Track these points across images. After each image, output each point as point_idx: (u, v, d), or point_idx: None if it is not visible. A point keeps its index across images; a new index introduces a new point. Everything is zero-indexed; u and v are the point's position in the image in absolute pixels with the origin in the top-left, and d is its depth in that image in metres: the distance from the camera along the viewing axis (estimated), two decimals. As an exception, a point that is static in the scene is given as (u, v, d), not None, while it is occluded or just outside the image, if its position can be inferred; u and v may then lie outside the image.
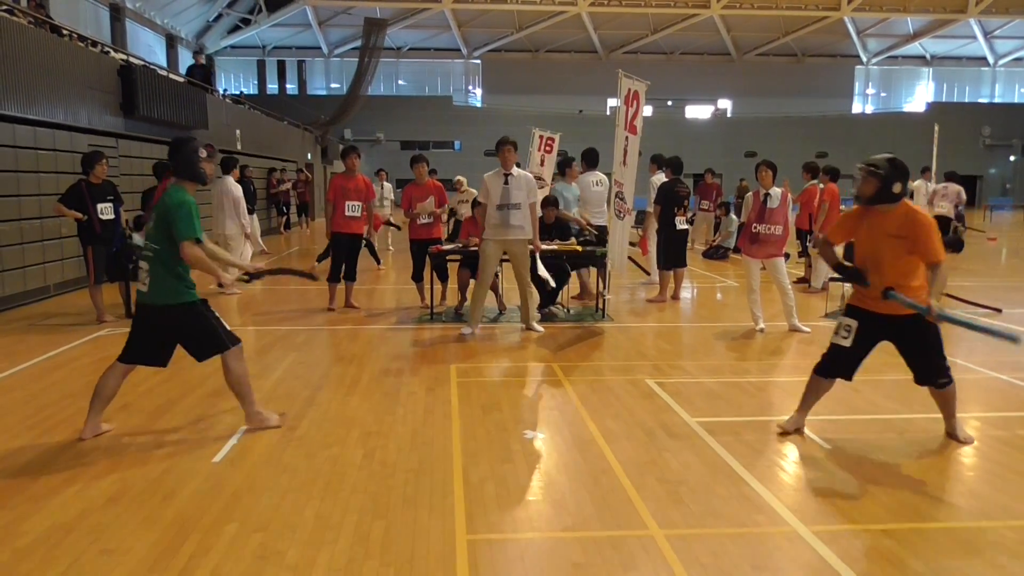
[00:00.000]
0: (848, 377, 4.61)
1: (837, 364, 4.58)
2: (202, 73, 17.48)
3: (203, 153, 4.54)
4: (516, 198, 7.40)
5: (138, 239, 12.21)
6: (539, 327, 7.78)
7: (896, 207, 4.34)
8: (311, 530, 3.41)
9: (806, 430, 4.75)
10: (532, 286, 7.86)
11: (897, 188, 4.32)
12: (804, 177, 11.08)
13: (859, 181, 4.44)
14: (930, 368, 4.50)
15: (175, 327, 4.48)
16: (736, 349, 7.16)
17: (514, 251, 7.56)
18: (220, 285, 4.80)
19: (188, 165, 4.47)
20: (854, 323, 4.49)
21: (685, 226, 10.09)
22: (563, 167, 9.96)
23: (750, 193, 7.97)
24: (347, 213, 8.86)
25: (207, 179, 4.65)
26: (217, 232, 10.00)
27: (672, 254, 9.80)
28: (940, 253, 4.29)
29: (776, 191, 7.74)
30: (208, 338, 4.51)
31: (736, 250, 15.07)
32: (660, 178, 11.26)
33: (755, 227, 7.72)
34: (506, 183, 7.41)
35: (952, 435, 4.65)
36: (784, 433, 4.71)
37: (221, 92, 25.44)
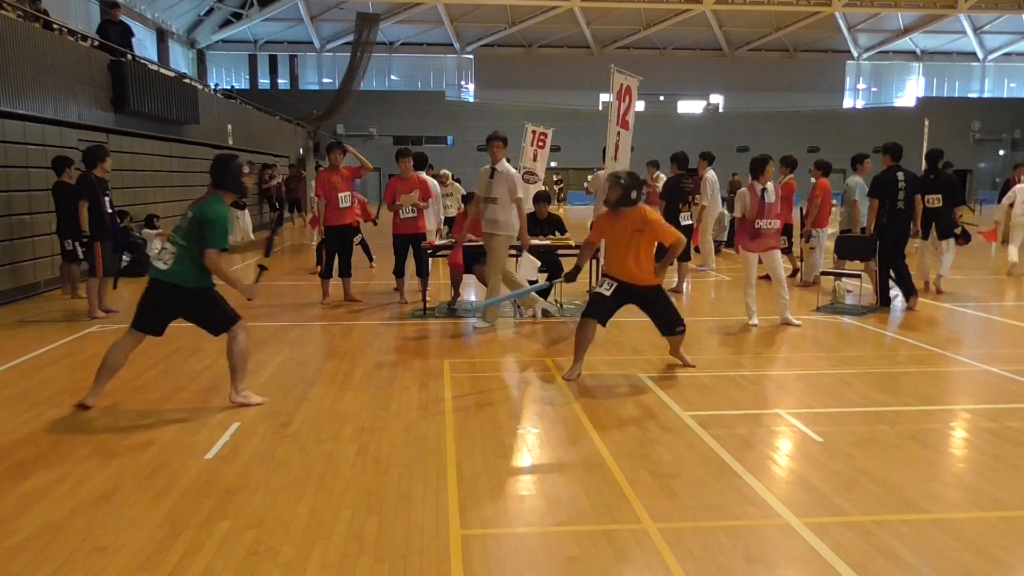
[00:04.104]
0: (603, 322, 5.91)
1: (597, 308, 5.86)
2: (118, 33, 13.29)
3: (246, 169, 5.10)
4: (494, 192, 7.54)
5: (149, 234, 12.19)
6: (481, 322, 7.80)
7: (634, 209, 5.75)
8: (304, 526, 3.41)
9: (797, 422, 4.77)
10: (504, 281, 7.83)
11: (633, 195, 5.72)
12: (782, 171, 11.08)
13: (608, 189, 5.78)
14: (668, 321, 5.94)
15: (188, 307, 4.98)
16: (728, 343, 7.18)
17: (489, 244, 7.70)
18: (249, 299, 5.13)
19: (234, 180, 5.03)
20: (615, 282, 5.83)
21: (690, 221, 10.09)
22: (854, 162, 9.81)
23: (744, 189, 7.91)
24: (341, 205, 8.93)
25: (248, 192, 5.08)
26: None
27: None
28: (673, 236, 5.82)
29: (771, 186, 7.75)
30: (220, 315, 5.04)
31: (728, 244, 15.10)
32: (711, 175, 11.38)
33: (757, 223, 7.68)
34: (491, 177, 7.56)
35: (680, 359, 6.13)
36: (569, 380, 5.71)
37: (213, 87, 25.35)
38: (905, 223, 8.64)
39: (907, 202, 8.55)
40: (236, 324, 5.04)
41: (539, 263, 8.16)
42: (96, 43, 12.68)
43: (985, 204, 30.92)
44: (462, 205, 9.17)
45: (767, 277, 8.32)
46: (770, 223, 7.70)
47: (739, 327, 7.79)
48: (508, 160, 7.75)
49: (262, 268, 5.31)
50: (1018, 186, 12.22)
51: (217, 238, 4.80)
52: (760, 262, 7.84)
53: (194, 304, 4.98)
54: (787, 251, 11.45)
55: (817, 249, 10.43)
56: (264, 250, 5.40)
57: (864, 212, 9.04)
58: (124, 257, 10.38)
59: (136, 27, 28.62)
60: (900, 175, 8.52)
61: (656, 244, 5.91)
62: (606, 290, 5.83)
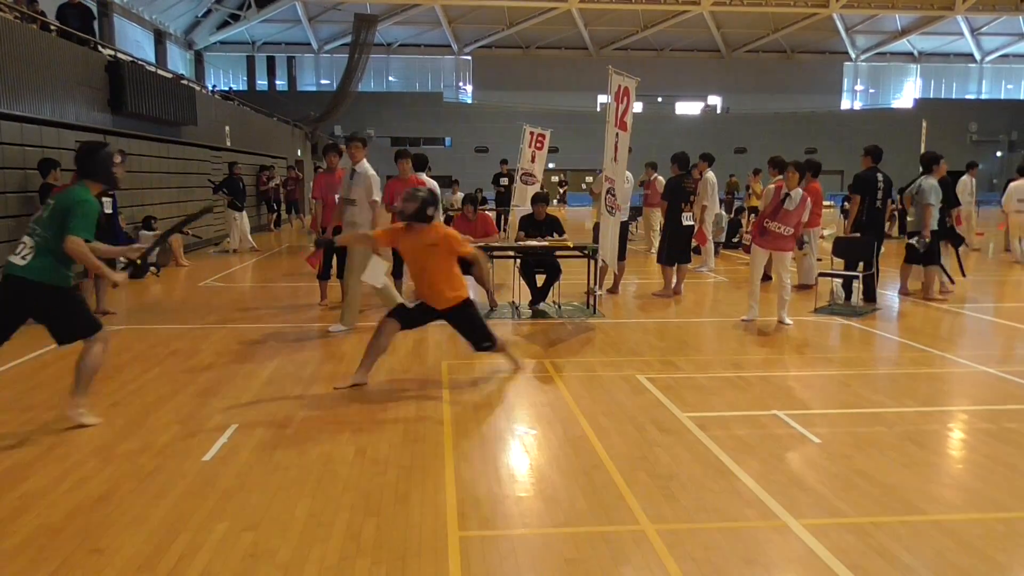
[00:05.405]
0: (405, 327, 5.82)
1: (403, 314, 5.79)
2: (76, 16, 12.26)
3: (117, 159, 4.79)
4: (353, 194, 7.61)
5: (146, 236, 12.14)
6: (338, 327, 7.61)
7: (429, 226, 5.59)
8: (302, 528, 3.40)
9: (795, 423, 4.77)
10: (368, 285, 7.58)
11: (430, 211, 5.57)
12: (771, 173, 11.09)
13: (404, 202, 5.59)
14: (478, 337, 5.83)
15: (45, 307, 4.61)
16: (726, 344, 7.18)
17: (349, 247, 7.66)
18: (114, 285, 4.90)
19: (102, 169, 4.69)
20: (420, 301, 5.80)
21: (691, 222, 10.11)
22: (930, 164, 9.76)
23: (773, 185, 8.16)
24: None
25: (119, 184, 4.89)
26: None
27: (676, 249, 9.90)
28: (465, 247, 5.73)
29: (797, 193, 7.71)
30: (78, 321, 4.71)
31: (727, 245, 15.15)
32: (711, 175, 11.55)
33: (767, 222, 7.77)
34: (351, 178, 7.67)
35: (507, 355, 6.10)
36: (355, 386, 5.58)
37: (210, 88, 25.33)
38: (882, 222, 9.32)
39: (884, 202, 9.23)
40: (97, 333, 4.72)
41: (388, 265, 7.77)
42: (38, 23, 12.03)
43: (982, 206, 30.98)
44: (461, 207, 9.19)
45: (768, 278, 8.38)
46: (779, 226, 7.74)
47: (738, 328, 7.80)
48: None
49: (133, 266, 5.02)
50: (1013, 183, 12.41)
51: (80, 225, 4.46)
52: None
53: (51, 303, 4.60)
54: None
55: (811, 253, 10.44)
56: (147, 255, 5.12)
57: (935, 215, 9.27)
58: (121, 259, 10.35)
59: (133, 28, 28.77)
60: (879, 176, 9.13)
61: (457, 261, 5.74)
62: (411, 303, 5.88)
